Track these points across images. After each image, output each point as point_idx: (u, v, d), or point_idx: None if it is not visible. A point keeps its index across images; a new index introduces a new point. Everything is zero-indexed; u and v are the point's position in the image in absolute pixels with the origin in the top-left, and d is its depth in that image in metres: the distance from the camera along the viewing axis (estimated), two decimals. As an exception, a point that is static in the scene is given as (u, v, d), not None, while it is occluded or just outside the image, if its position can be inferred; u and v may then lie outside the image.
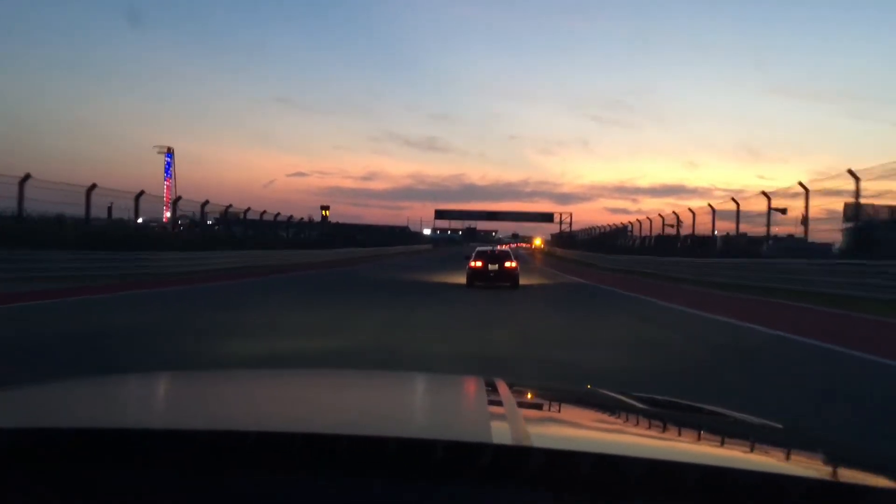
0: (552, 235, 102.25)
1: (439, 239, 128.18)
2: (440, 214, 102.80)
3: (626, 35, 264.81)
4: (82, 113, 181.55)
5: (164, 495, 0.83)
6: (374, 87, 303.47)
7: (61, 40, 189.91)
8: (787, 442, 1.37)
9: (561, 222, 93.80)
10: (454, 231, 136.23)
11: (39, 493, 0.84)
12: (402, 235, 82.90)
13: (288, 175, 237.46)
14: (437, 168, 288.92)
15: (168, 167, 72.64)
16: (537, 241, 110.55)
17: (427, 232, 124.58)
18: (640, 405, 1.53)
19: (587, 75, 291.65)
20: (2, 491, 0.83)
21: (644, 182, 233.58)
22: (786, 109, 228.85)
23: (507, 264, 19.95)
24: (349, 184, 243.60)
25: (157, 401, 1.43)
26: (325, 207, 50.80)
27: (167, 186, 53.77)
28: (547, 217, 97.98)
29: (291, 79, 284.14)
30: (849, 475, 1.03)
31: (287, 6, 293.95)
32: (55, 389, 1.47)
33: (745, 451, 1.22)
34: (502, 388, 1.47)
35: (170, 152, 73.53)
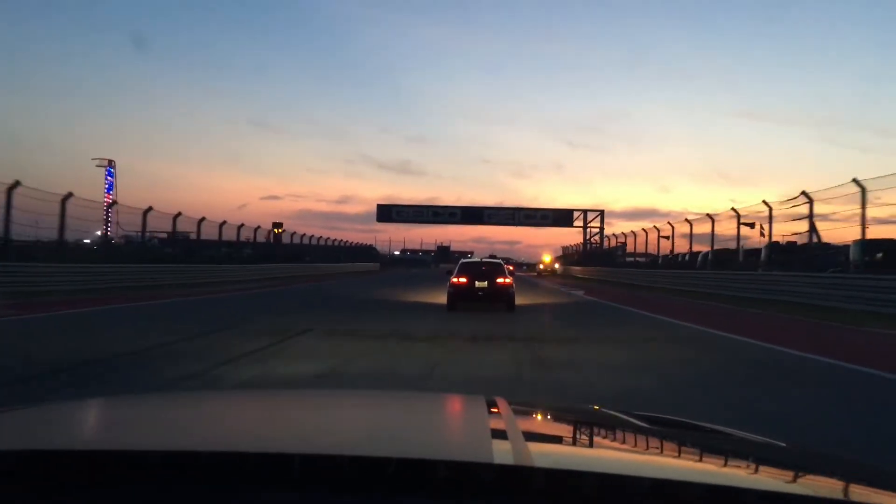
0: (564, 250, 70.05)
1: (402, 259, 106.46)
2: (384, 213, 62.04)
3: (600, 60, 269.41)
4: (38, 128, 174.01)
5: None
6: (348, 110, 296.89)
7: (26, 52, 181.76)
8: (790, 460, 1.36)
9: (586, 226, 58.14)
10: (426, 252, 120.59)
11: None
12: (334, 253, 56.94)
13: (261, 198, 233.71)
14: (410, 191, 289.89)
15: (110, 183, 70.36)
16: (546, 259, 67.31)
17: (398, 254, 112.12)
18: (643, 424, 1.51)
19: (561, 99, 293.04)
20: None
21: (617, 206, 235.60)
22: (757, 134, 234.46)
23: (499, 280, 16.44)
24: (323, 207, 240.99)
25: (156, 422, 1.40)
26: (278, 225, 45.15)
27: (107, 203, 51.90)
28: (563, 218, 60.41)
29: (265, 102, 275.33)
30: (852, 493, 1.03)
31: (260, 29, 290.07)
32: (53, 411, 1.45)
33: (748, 470, 1.21)
34: (503, 406, 1.46)
35: (110, 166, 71.29)
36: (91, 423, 1.36)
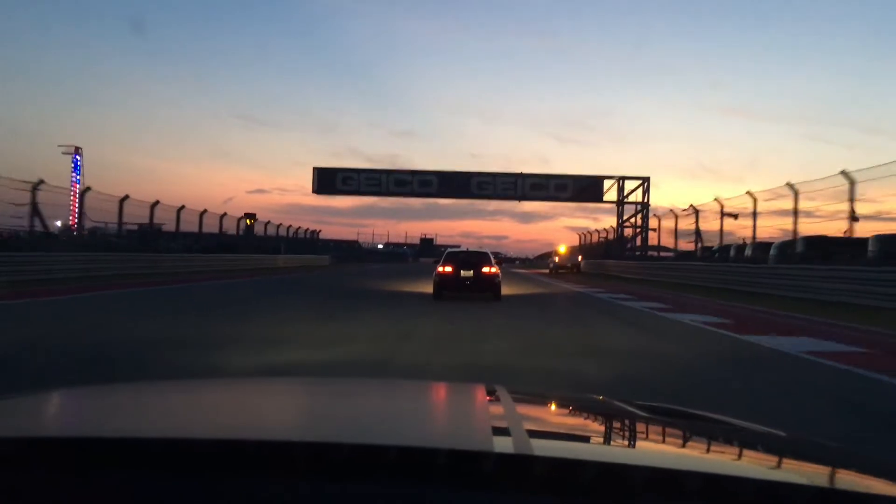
0: (582, 239, 51.38)
1: (381, 253, 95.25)
2: (325, 182, 43.94)
3: (588, 56, 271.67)
4: (15, 117, 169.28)
5: None
6: (336, 104, 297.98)
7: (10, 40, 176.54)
8: (790, 450, 1.37)
9: (622, 199, 38.89)
10: (411, 245, 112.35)
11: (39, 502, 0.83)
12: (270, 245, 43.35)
13: (248, 192, 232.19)
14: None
15: (77, 170, 68.78)
16: (562, 249, 45.31)
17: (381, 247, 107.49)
18: (643, 413, 1.52)
19: (549, 95, 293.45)
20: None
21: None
22: (742, 130, 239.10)
23: (485, 269, 16.32)
24: (310, 201, 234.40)
25: (155, 409, 1.38)
26: (251, 216, 41.39)
27: (74, 192, 50.56)
28: (588, 189, 40.74)
29: (252, 95, 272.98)
30: (851, 482, 1.04)
31: (246, 22, 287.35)
32: (53, 398, 1.45)
33: (748, 459, 1.22)
34: (504, 395, 1.46)
35: (77, 153, 69.58)
36: (88, 411, 1.35)
